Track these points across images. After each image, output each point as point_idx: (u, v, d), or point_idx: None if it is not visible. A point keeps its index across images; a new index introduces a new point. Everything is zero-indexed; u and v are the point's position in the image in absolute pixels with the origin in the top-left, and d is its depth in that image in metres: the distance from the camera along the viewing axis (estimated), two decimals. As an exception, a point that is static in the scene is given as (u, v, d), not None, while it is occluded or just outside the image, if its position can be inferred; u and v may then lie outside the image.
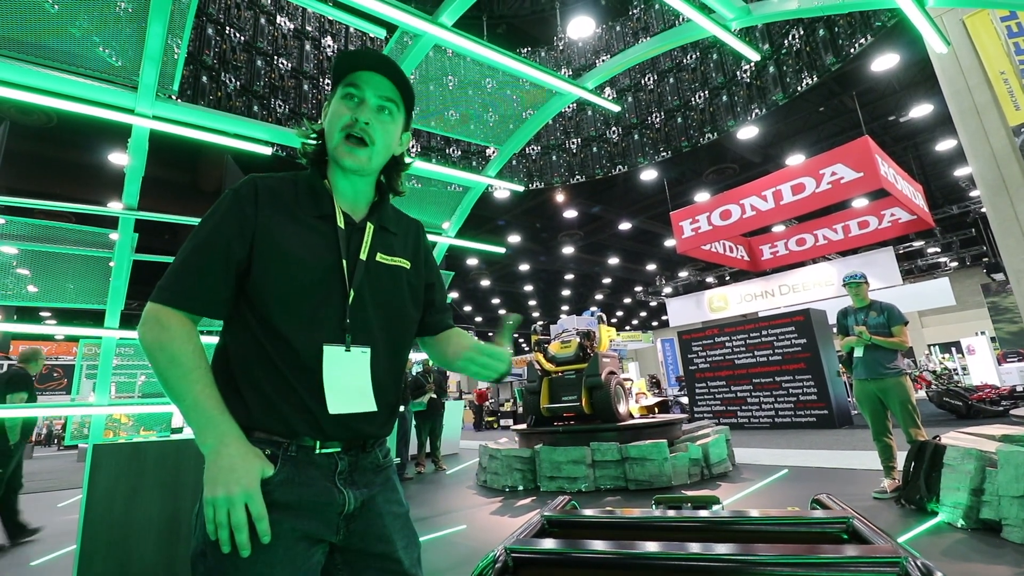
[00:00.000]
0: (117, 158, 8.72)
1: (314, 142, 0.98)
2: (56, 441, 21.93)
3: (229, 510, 0.74)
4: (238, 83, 6.59)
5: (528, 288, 22.93)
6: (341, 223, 0.93)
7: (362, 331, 0.90)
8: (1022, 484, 2.71)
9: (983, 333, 14.87)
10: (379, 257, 0.96)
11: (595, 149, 8.54)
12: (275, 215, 0.89)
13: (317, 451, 0.85)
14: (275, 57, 7.04)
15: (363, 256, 0.93)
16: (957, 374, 15.34)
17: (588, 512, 1.03)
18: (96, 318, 3.70)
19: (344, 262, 0.90)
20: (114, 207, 3.29)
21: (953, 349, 18.85)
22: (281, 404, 0.83)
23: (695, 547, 0.74)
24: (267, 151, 3.47)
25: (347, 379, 0.87)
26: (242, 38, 6.73)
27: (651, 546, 0.76)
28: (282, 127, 3.52)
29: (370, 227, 0.96)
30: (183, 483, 2.61)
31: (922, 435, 3.76)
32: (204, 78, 6.25)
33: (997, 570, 2.42)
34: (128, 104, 2.81)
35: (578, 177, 8.58)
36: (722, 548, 0.74)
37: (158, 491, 2.54)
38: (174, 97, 3.02)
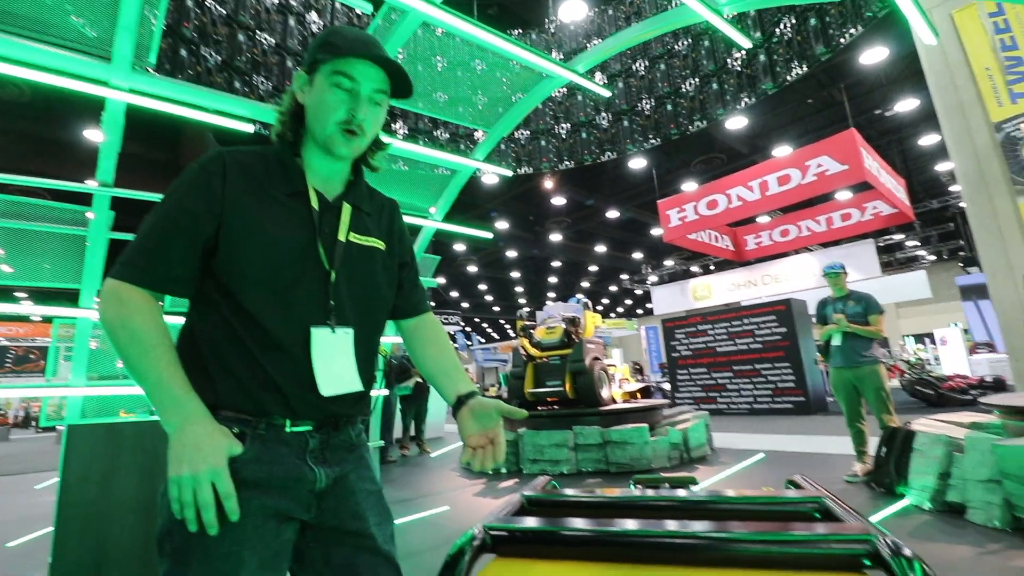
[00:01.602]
0: (93, 134, 8.43)
1: (287, 119, 0.94)
2: (33, 423, 21.60)
3: (195, 489, 0.72)
4: (219, 58, 6.38)
5: (515, 275, 22.94)
6: (315, 202, 0.90)
7: (341, 312, 0.89)
8: (986, 468, 2.82)
9: (956, 325, 15.27)
10: (352, 237, 0.93)
11: (584, 135, 8.49)
12: (245, 191, 0.85)
13: (288, 430, 0.83)
14: (257, 32, 6.82)
15: (341, 237, 0.91)
16: (930, 364, 15.78)
17: (568, 492, 1.04)
18: (72, 298, 3.60)
19: (319, 241, 0.88)
20: (91, 184, 3.18)
21: (927, 340, 19.36)
22: (250, 384, 0.81)
23: (672, 525, 0.75)
24: (249, 128, 3.37)
25: (335, 360, 0.86)
26: (223, 11, 6.50)
27: (628, 524, 0.77)
28: (265, 104, 3.42)
29: (347, 207, 0.94)
30: (161, 464, 2.57)
31: (894, 422, 3.87)
32: (183, 51, 6.03)
33: (959, 550, 2.52)
34: (102, 76, 2.69)
35: (567, 163, 8.53)
36: (698, 526, 0.75)
37: (135, 472, 2.51)
38: (151, 70, 2.91)
